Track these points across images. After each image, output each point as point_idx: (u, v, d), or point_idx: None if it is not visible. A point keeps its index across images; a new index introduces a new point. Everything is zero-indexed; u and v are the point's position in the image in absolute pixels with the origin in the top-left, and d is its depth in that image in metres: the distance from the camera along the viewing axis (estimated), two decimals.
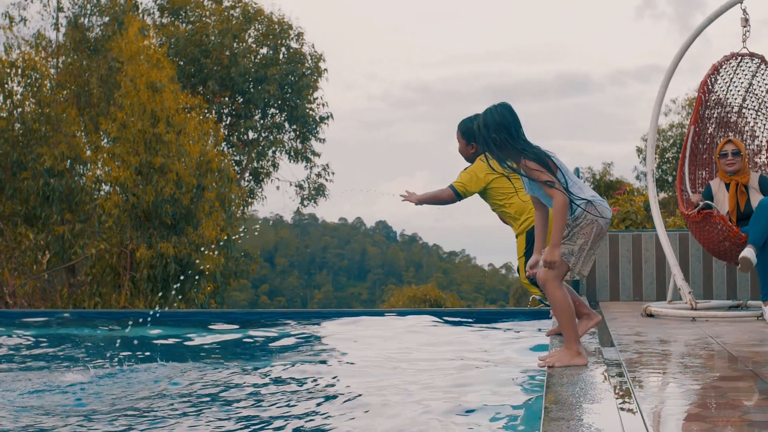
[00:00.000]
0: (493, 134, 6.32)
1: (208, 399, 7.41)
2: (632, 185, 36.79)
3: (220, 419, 6.52)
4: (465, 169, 8.88)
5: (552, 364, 5.99)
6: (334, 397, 7.22)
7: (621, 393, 4.95)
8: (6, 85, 25.75)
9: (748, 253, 9.17)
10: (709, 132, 10.63)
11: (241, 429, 6.18)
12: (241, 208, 32.07)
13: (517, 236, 8.88)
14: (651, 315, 9.59)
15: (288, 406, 6.91)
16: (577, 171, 11.25)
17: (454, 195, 8.72)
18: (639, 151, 43.73)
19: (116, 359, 9.70)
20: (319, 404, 6.94)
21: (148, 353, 10.33)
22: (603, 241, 6.56)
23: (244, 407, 6.98)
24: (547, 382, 5.21)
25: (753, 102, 10.74)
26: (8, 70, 25.84)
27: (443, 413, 6.26)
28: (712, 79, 10.53)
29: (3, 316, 15.61)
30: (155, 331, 12.94)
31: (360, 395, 7.16)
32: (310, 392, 7.47)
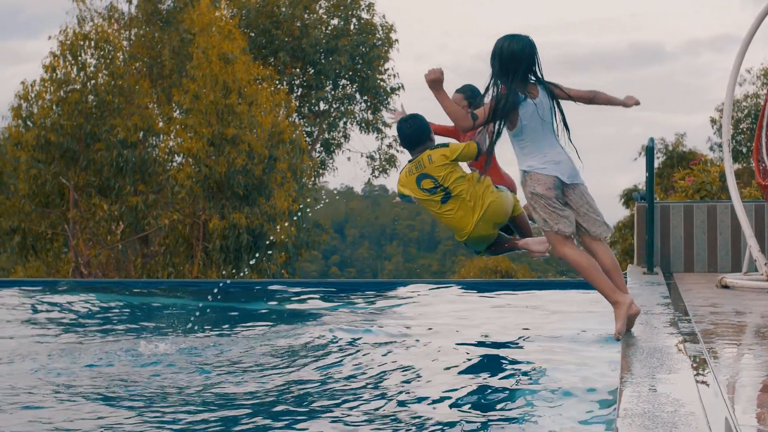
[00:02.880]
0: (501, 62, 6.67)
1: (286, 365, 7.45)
2: (706, 156, 36.36)
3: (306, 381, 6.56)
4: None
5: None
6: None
7: (697, 364, 4.90)
8: (79, 58, 25.98)
9: None
10: None
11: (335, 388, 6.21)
12: (313, 179, 32.16)
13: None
14: (726, 286, 9.48)
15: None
16: (651, 141, 11.12)
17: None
18: (713, 121, 43.16)
19: (191, 328, 9.78)
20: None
21: (219, 322, 10.41)
22: (576, 193, 6.64)
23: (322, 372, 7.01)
24: (623, 353, 5.18)
25: None
26: (81, 43, 26.06)
27: (521, 384, 6.25)
28: None
29: (79, 286, 15.81)
30: (227, 301, 13.05)
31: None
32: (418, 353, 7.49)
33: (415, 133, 7.99)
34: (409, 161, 7.93)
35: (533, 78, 6.75)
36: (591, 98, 6.95)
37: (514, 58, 6.66)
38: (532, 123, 6.66)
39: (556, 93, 6.80)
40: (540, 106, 6.67)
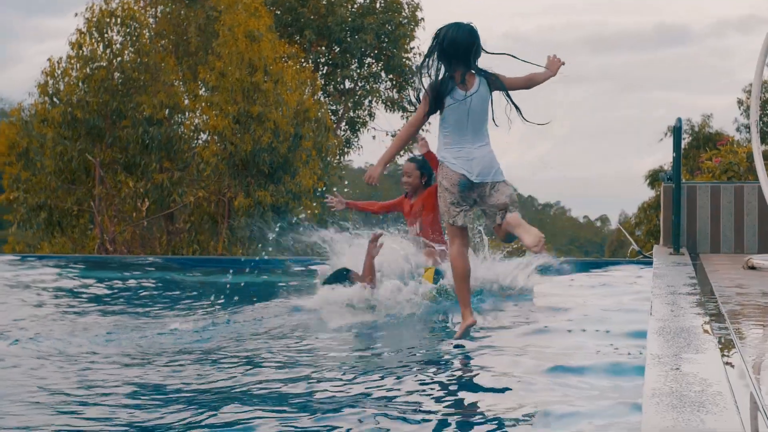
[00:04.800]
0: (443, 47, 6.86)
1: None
2: (732, 137, 36.19)
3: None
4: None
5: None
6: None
7: (723, 344, 4.89)
8: (106, 35, 26.02)
9: None
10: None
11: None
12: (338, 157, 32.16)
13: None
14: (753, 267, 9.44)
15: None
16: (679, 121, 11.07)
17: None
18: (739, 103, 42.95)
19: (216, 304, 9.81)
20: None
21: (242, 298, 10.43)
22: (485, 190, 6.87)
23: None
24: (649, 333, 5.16)
25: None
26: (108, 20, 26.09)
27: (544, 361, 6.26)
28: None
29: (105, 262, 15.88)
30: (248, 278, 13.09)
31: None
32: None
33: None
34: None
35: (472, 68, 6.84)
36: (528, 83, 7.05)
37: (454, 46, 6.75)
38: (455, 114, 6.80)
39: (494, 83, 6.88)
40: (471, 98, 6.73)
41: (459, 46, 6.78)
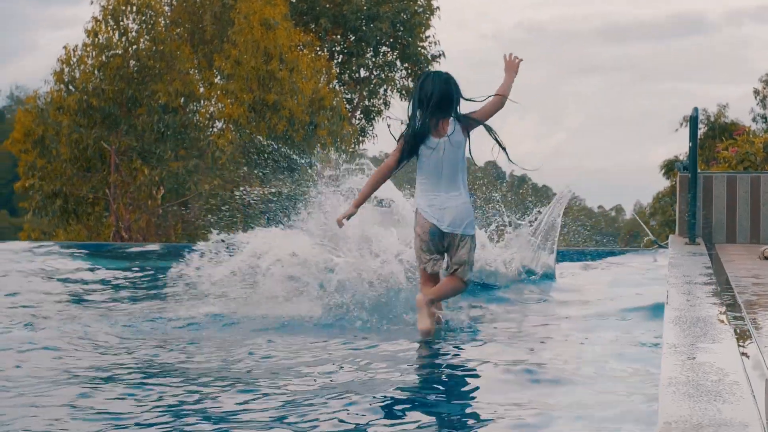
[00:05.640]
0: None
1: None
2: (749, 127, 36.07)
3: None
4: None
5: None
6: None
7: (739, 334, 4.88)
8: (121, 23, 26.06)
9: None
10: None
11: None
12: (353, 146, 32.17)
13: None
14: None
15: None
16: (695, 110, 11.03)
17: None
18: (756, 93, 42.80)
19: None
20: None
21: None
22: (455, 241, 6.97)
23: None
24: (665, 322, 5.16)
25: None
26: (123, 8, 26.13)
27: (560, 350, 6.27)
28: None
29: (120, 249, 15.91)
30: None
31: None
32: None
33: None
34: None
35: (447, 115, 6.89)
36: (500, 102, 7.12)
37: (429, 95, 6.84)
38: (430, 162, 6.90)
39: (471, 125, 6.98)
40: (446, 145, 6.78)
41: (434, 95, 6.90)
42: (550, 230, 10.59)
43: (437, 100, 6.91)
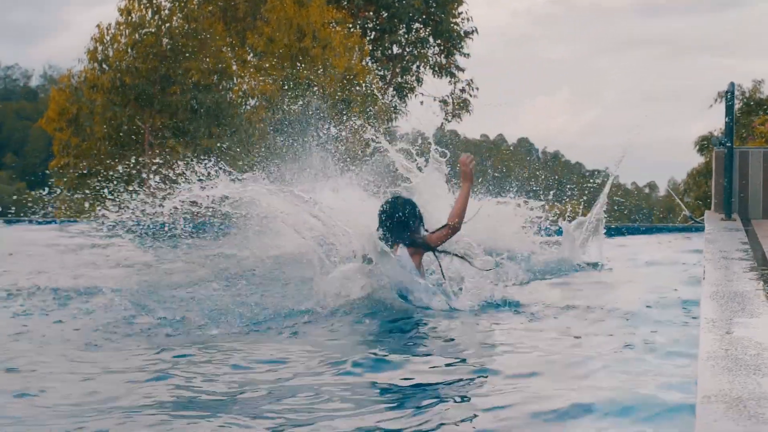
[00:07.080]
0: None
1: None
2: None
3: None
4: None
5: None
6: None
7: None
8: (154, 1, 26.10)
9: None
10: None
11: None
12: (386, 122, 32.14)
13: None
14: None
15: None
16: (731, 85, 10.96)
17: None
18: None
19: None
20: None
21: None
22: None
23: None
24: (703, 297, 5.14)
25: None
26: None
27: (599, 330, 6.27)
28: None
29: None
30: None
31: None
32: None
33: None
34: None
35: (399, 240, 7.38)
36: (452, 230, 7.42)
37: (386, 220, 7.38)
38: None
39: (422, 246, 7.39)
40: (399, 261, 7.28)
41: (389, 220, 7.36)
42: (598, 224, 10.53)
43: (394, 225, 7.35)
